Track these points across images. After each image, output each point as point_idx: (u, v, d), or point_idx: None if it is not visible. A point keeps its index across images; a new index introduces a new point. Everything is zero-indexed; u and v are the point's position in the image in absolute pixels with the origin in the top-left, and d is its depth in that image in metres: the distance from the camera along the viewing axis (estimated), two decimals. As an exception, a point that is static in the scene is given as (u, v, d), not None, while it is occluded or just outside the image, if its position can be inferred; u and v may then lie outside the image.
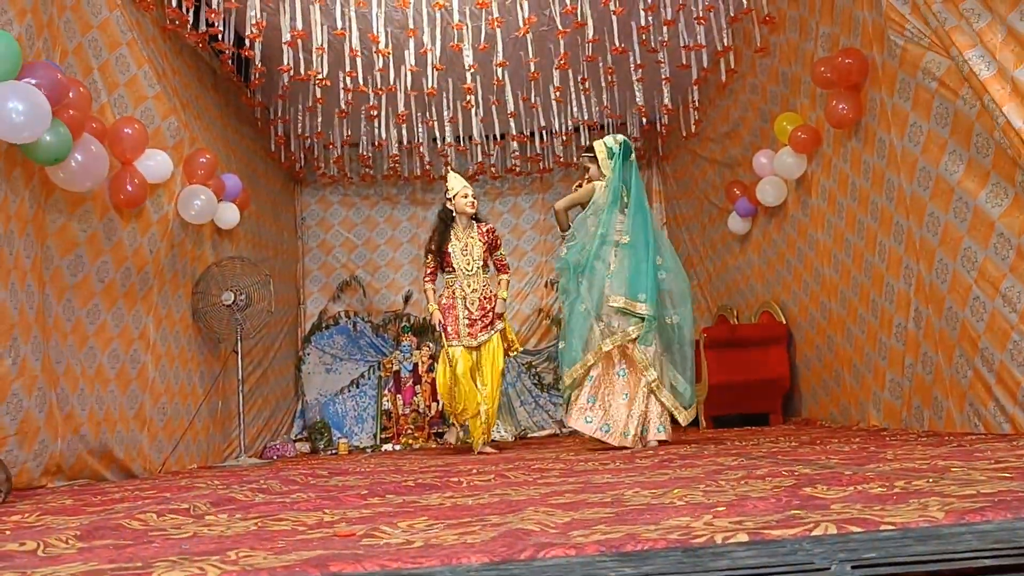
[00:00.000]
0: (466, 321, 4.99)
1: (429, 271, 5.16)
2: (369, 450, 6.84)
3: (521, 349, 5.44)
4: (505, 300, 5.15)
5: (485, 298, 5.05)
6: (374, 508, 1.97)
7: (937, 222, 3.59)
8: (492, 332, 5.03)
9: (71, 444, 3.70)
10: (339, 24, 5.04)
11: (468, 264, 5.04)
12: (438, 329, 5.07)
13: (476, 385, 4.96)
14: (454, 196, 5.08)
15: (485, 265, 5.10)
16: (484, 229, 5.14)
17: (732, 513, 1.40)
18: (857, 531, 1.12)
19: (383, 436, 7.04)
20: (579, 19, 4.92)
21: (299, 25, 4.89)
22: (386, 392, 7.18)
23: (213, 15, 4.85)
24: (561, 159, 7.40)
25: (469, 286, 5.03)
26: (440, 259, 5.10)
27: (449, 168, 6.01)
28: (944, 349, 3.62)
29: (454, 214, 5.08)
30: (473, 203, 5.08)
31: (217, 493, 2.47)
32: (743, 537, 1.12)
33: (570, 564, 1.07)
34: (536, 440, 6.70)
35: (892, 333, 4.11)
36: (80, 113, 3.58)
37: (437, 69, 5.21)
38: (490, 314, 5.04)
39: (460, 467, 3.42)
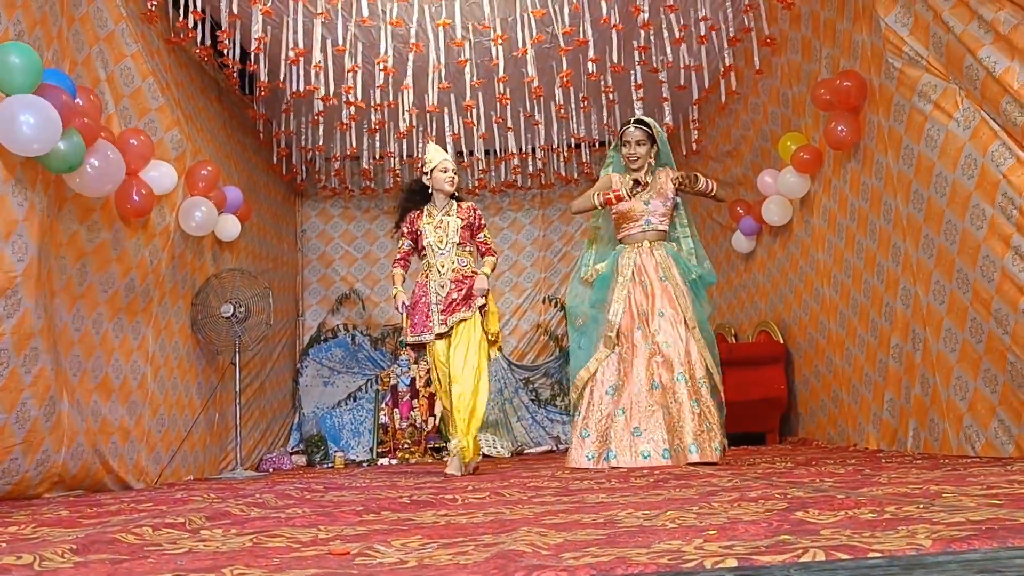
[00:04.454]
0: (439, 306, 4.29)
1: (400, 256, 4.52)
2: (365, 464, 6.84)
3: (500, 351, 4.66)
4: (488, 277, 4.37)
5: (462, 278, 4.32)
6: (369, 525, 1.97)
7: (931, 244, 3.62)
8: (470, 311, 4.27)
9: (73, 455, 3.71)
10: (340, 39, 5.08)
11: (440, 241, 4.36)
12: (400, 312, 4.41)
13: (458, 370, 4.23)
14: (431, 171, 4.41)
15: (462, 244, 4.38)
16: (464, 206, 4.46)
17: (722, 537, 1.41)
18: (845, 558, 1.13)
19: (379, 450, 7.04)
20: (581, 36, 4.96)
21: (301, 39, 4.93)
22: (383, 406, 7.19)
23: (225, 35, 4.89)
24: (563, 174, 7.43)
25: (442, 265, 4.34)
26: (413, 240, 4.48)
27: (430, 139, 5.39)
28: (942, 371, 3.63)
29: (430, 191, 4.45)
30: (453, 180, 4.42)
31: (213, 507, 2.48)
32: (732, 562, 1.14)
33: (560, 587, 1.08)
34: (533, 456, 6.70)
35: (890, 354, 4.12)
36: (93, 121, 3.63)
37: (437, 87, 5.26)
38: (466, 291, 4.29)
39: (456, 484, 3.43)
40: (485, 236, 4.49)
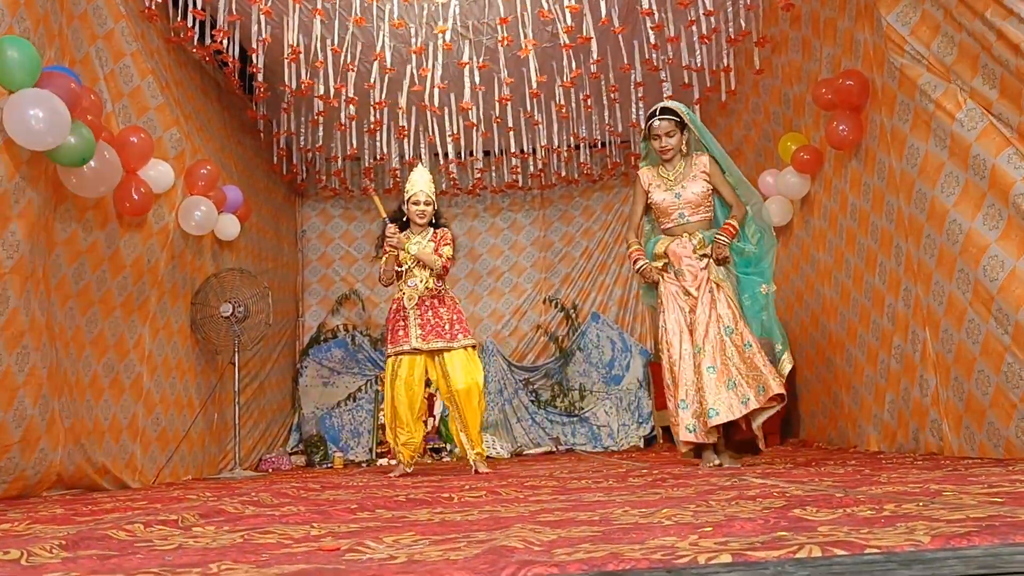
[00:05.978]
0: (417, 320, 4.46)
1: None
2: (364, 464, 6.82)
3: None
4: (427, 253, 4.47)
5: (440, 305, 4.51)
6: (362, 523, 1.96)
7: (933, 244, 3.59)
8: (456, 344, 4.45)
9: (71, 454, 3.69)
10: (338, 39, 5.07)
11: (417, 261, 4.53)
12: (393, 236, 4.45)
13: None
14: (406, 201, 4.58)
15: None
16: (438, 233, 4.58)
17: (718, 534, 1.39)
18: (841, 554, 1.11)
19: (379, 450, 7.02)
20: (584, 34, 4.93)
21: (301, 38, 4.91)
22: (383, 407, 7.16)
23: (221, 34, 4.88)
24: (563, 175, 7.41)
25: (416, 277, 4.50)
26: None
27: (418, 162, 5.47)
28: (941, 372, 3.61)
29: (405, 218, 4.61)
30: (423, 212, 4.53)
31: (207, 505, 2.46)
32: (726, 558, 1.12)
33: (551, 583, 1.06)
34: (532, 457, 6.68)
35: (891, 355, 4.10)
36: (95, 120, 3.62)
37: (439, 88, 5.24)
38: (447, 319, 4.49)
39: (453, 483, 3.41)
40: (444, 251, 4.52)
